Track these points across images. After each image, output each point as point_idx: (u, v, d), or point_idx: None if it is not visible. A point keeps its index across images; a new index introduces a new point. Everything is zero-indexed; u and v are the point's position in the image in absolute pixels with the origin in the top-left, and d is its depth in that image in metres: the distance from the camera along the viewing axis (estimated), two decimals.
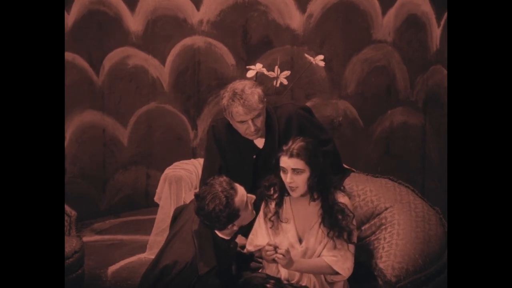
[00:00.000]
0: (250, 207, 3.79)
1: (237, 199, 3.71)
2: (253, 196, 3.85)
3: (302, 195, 3.86)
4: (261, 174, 4.02)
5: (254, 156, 4.17)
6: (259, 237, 3.95)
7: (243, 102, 3.96)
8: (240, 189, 3.76)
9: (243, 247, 4.05)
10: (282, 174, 3.83)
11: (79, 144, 5.88)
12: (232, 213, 3.69)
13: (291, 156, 3.79)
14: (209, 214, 3.68)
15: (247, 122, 4.01)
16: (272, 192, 3.94)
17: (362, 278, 3.97)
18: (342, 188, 3.97)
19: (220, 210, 3.66)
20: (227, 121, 4.12)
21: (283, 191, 3.91)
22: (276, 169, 3.86)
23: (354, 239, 3.88)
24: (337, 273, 3.86)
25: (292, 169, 3.79)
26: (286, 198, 3.92)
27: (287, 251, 3.76)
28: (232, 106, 3.98)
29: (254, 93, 3.99)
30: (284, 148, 3.82)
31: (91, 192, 5.99)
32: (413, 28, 5.96)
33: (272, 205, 3.93)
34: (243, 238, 4.07)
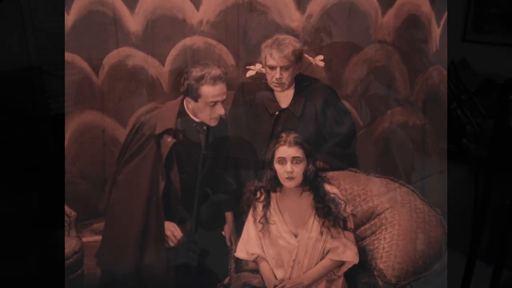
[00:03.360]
0: (211, 109, 4.11)
1: (205, 85, 4.18)
2: (223, 111, 4.13)
3: (297, 186, 3.88)
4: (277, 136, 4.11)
5: (277, 113, 4.34)
6: (250, 243, 3.98)
7: (279, 47, 4.29)
8: (217, 89, 4.17)
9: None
10: (278, 166, 3.87)
11: (79, 144, 5.87)
12: (191, 83, 4.17)
13: (290, 145, 3.85)
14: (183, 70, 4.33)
15: (275, 69, 4.22)
16: (258, 195, 3.99)
17: (360, 276, 3.99)
18: (328, 180, 4.02)
19: (190, 71, 4.26)
20: (256, 80, 4.43)
21: (269, 192, 3.96)
22: (271, 163, 3.89)
23: (350, 225, 3.93)
24: (343, 263, 3.91)
25: (292, 157, 3.84)
26: (272, 197, 3.96)
27: (288, 283, 3.82)
28: (268, 49, 4.33)
29: (291, 45, 4.33)
30: (280, 140, 3.88)
31: (91, 193, 5.98)
32: (413, 28, 5.96)
33: (260, 208, 3.97)
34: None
